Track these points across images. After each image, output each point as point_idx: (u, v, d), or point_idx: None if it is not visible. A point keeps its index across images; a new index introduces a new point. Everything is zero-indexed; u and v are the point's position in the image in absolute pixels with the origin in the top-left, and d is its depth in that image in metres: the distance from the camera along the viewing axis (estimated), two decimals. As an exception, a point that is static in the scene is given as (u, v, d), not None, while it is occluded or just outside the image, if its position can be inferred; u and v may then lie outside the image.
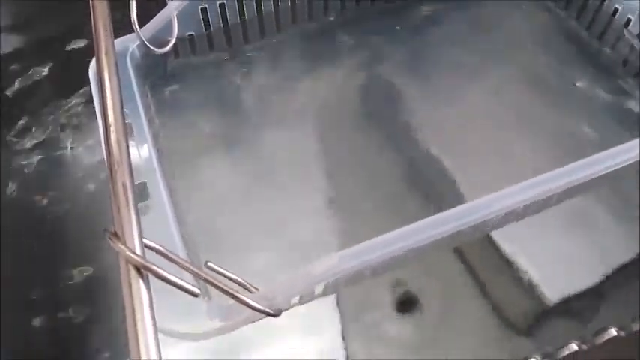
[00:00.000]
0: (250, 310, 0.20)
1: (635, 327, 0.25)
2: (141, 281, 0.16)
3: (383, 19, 0.38)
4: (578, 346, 0.25)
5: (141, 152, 0.26)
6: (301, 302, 0.23)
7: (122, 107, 0.20)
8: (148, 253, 0.17)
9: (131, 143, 0.27)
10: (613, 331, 0.25)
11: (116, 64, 0.21)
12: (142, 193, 0.25)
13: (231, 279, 0.21)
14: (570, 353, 0.24)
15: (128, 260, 0.16)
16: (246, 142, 0.32)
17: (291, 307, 0.23)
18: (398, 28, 0.36)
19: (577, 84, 0.34)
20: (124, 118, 0.20)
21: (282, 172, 0.31)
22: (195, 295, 0.16)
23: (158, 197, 0.25)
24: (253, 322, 0.22)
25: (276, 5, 0.35)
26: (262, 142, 0.32)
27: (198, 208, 0.29)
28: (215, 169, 0.31)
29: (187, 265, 0.19)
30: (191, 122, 0.32)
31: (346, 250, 0.22)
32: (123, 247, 0.16)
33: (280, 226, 0.29)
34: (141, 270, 0.16)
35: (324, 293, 0.24)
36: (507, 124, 0.33)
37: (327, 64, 0.35)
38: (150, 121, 0.30)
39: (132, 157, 0.26)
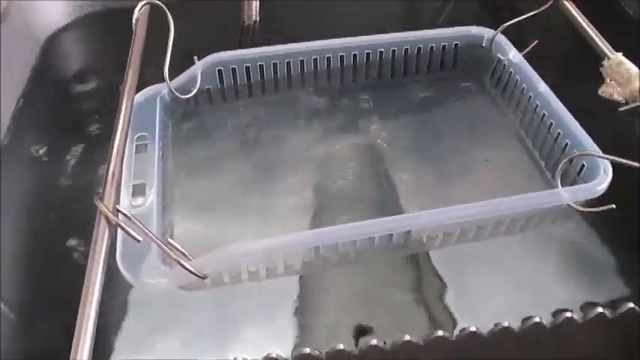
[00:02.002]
0: (185, 271, 0.30)
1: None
2: (107, 228, 0.26)
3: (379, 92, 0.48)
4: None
5: (148, 164, 0.37)
6: (234, 279, 0.33)
7: (128, 126, 0.31)
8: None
9: (143, 157, 0.38)
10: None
11: (133, 100, 0.33)
12: (140, 190, 0.35)
13: (180, 251, 0.31)
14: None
15: (102, 212, 0.26)
16: (240, 170, 0.42)
17: (224, 280, 0.32)
18: (366, 97, 0.47)
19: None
20: (126, 133, 0.31)
21: (270, 196, 0.40)
22: (137, 240, 0.26)
23: (152, 196, 0.35)
24: (193, 289, 0.32)
25: (275, 74, 0.46)
26: (253, 172, 0.42)
27: (184, 211, 0.39)
28: (207, 187, 0.41)
29: (149, 234, 0.29)
30: (197, 151, 0.43)
31: (267, 239, 0.31)
32: (102, 205, 0.26)
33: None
34: (109, 221, 0.26)
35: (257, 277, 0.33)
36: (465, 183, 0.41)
37: (317, 120, 0.46)
38: (164, 145, 0.41)
39: (140, 166, 0.37)
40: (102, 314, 0.25)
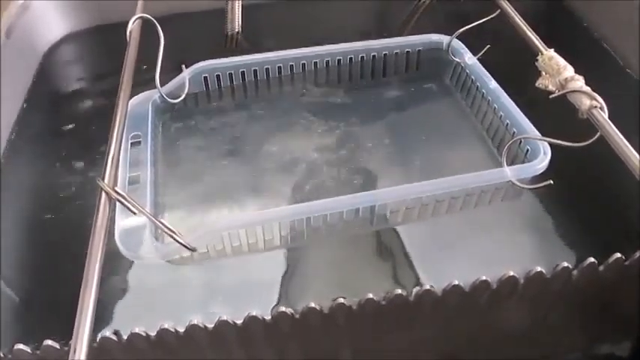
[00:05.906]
0: (177, 244, 0.34)
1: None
2: (108, 203, 0.31)
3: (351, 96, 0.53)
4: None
5: (140, 157, 0.41)
6: (219, 253, 0.37)
7: (124, 124, 0.35)
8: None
9: (136, 151, 0.43)
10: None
11: (127, 100, 0.37)
12: (135, 179, 0.40)
13: (169, 228, 0.35)
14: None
15: (103, 189, 0.30)
16: (223, 165, 0.47)
17: (210, 254, 0.37)
18: (339, 97, 0.52)
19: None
20: (123, 130, 0.35)
21: (251, 188, 0.45)
22: (133, 212, 0.30)
23: (144, 182, 0.39)
24: (182, 263, 0.36)
25: (255, 79, 0.50)
26: (235, 167, 0.46)
27: (173, 199, 0.43)
28: (194, 180, 0.45)
29: (143, 210, 0.34)
30: (185, 148, 0.47)
31: (247, 212, 0.36)
32: (102, 183, 0.31)
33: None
34: (109, 196, 0.31)
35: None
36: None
37: (294, 119, 0.50)
38: (155, 142, 0.45)
39: (134, 160, 0.42)
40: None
